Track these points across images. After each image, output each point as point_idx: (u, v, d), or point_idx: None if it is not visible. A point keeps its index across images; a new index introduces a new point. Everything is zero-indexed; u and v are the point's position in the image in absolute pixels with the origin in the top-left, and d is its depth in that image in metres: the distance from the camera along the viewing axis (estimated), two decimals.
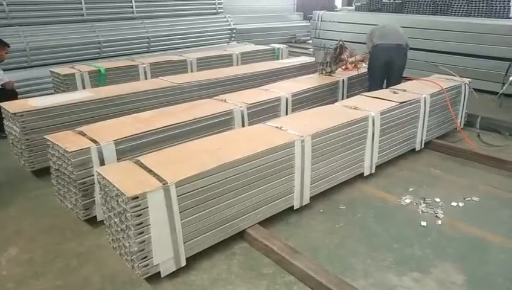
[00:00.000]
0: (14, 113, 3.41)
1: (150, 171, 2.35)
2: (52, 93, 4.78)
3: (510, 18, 7.10)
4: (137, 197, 2.11)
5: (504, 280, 2.34)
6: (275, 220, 2.91)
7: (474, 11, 7.75)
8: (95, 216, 2.90)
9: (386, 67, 4.72)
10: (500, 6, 7.40)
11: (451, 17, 7.86)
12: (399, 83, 4.65)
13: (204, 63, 6.00)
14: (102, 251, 2.62)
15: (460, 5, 7.97)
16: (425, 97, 3.96)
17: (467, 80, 4.63)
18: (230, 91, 4.46)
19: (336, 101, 4.43)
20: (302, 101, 4.41)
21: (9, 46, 4.93)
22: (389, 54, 4.68)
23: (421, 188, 3.41)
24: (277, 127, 3.10)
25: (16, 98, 4.52)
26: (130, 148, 2.99)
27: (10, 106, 3.58)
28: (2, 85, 4.63)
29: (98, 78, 5.04)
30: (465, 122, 4.78)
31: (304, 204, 3.06)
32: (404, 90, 4.12)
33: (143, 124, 3.19)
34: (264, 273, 2.42)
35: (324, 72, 5.03)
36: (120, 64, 5.40)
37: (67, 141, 2.84)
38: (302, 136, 2.90)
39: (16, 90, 4.88)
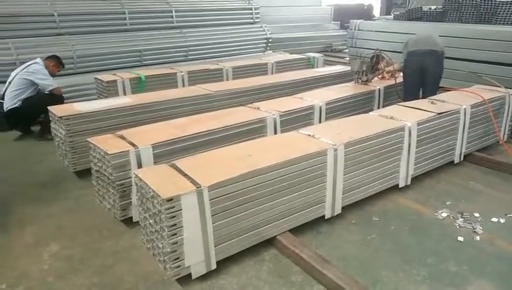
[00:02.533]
0: (60, 117, 3.62)
1: (184, 174, 2.42)
2: (96, 99, 5.02)
3: None
4: (172, 199, 2.18)
5: None
6: (306, 229, 2.90)
7: None
8: (131, 217, 3.01)
9: (419, 74, 4.62)
10: None
11: (496, 26, 7.57)
12: (435, 92, 4.53)
13: (239, 72, 6.10)
14: (136, 250, 2.71)
15: (506, 14, 7.65)
16: (465, 108, 3.84)
17: (511, 91, 4.44)
18: (265, 99, 4.51)
19: (371, 110, 4.37)
20: (336, 110, 4.38)
21: (64, 67, 5.45)
22: (421, 60, 4.59)
23: (459, 202, 3.29)
24: (309, 135, 3.10)
25: (63, 103, 4.82)
26: (166, 153, 3.09)
27: (57, 110, 3.80)
28: (50, 91, 4.94)
29: (138, 85, 5.25)
30: (510, 135, 4.58)
31: (335, 214, 3.03)
32: (443, 101, 4.01)
33: (179, 129, 3.29)
34: (293, 281, 2.42)
35: (360, 81, 4.98)
36: (159, 72, 5.60)
37: (107, 143, 2.98)
38: (335, 145, 2.89)
39: (63, 95, 5.18)
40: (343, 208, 3.06)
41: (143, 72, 5.48)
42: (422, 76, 4.63)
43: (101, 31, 6.83)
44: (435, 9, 9.07)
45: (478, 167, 3.98)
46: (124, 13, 7.00)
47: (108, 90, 5.01)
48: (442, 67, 4.72)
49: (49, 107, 3.94)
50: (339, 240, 2.82)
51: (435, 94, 4.44)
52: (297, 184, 2.73)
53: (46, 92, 4.95)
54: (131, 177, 2.85)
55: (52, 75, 5.15)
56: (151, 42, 7.14)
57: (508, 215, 3.09)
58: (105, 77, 5.23)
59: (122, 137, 3.11)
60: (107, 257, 2.67)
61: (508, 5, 7.62)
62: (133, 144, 2.97)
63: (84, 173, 3.73)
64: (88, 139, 3.16)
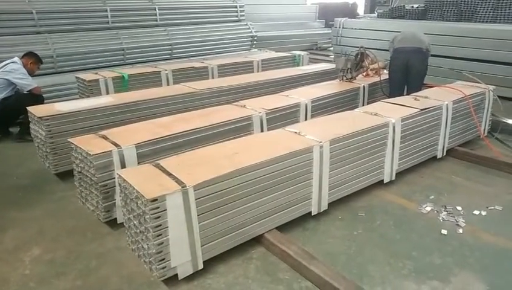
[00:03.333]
0: (40, 117, 3.53)
1: (169, 174, 2.39)
2: (77, 99, 4.92)
3: None
4: (156, 200, 2.15)
5: None
6: (293, 226, 2.90)
7: (500, 17, 7.57)
8: (115, 218, 2.96)
9: (404, 71, 4.67)
10: None
11: (476, 23, 7.71)
12: (419, 88, 4.58)
13: (225, 70, 6.07)
14: (121, 252, 2.67)
15: (486, 12, 7.80)
16: (447, 104, 3.89)
17: (491, 87, 4.52)
18: (250, 97, 4.49)
19: (356, 107, 4.39)
20: (322, 107, 4.39)
21: (42, 63, 5.29)
22: (406, 57, 4.64)
23: (442, 196, 3.34)
24: (295, 133, 3.10)
25: (43, 103, 4.71)
26: (150, 152, 3.05)
27: (36, 110, 3.71)
28: (29, 90, 4.82)
29: (121, 84, 5.17)
30: (490, 129, 4.67)
31: (322, 210, 3.04)
32: (426, 97, 4.06)
33: (163, 128, 3.25)
34: (281, 278, 2.41)
35: (345, 78, 5.01)
36: (143, 71, 5.52)
37: (90, 144, 2.92)
38: (320, 142, 2.89)
39: (43, 95, 5.06)
40: (329, 204, 3.07)
41: (126, 71, 5.40)
42: (407, 73, 4.68)
43: (82, 29, 6.71)
44: (417, 7, 9.21)
45: (460, 162, 4.05)
46: (106, 11, 6.89)
47: (91, 89, 4.92)
48: (427, 64, 4.78)
49: (28, 108, 3.84)
50: (325, 236, 2.83)
51: (420, 90, 4.49)
52: (284, 181, 2.73)
53: (25, 92, 4.82)
54: (114, 178, 2.80)
55: (32, 73, 5.02)
56: (134, 40, 7.05)
57: (489, 207, 3.15)
58: (87, 76, 5.13)
59: (104, 137, 3.06)
60: (91, 259, 2.62)
61: (487, 4, 7.77)
62: (116, 144, 2.92)
63: (66, 175, 3.65)
64: (69, 139, 3.09)
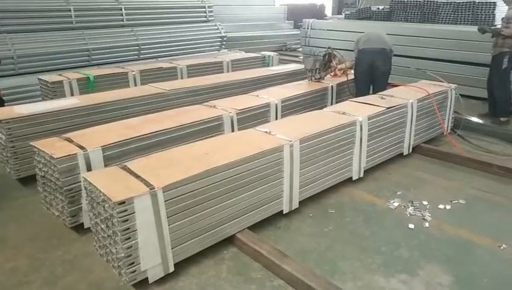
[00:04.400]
0: (0, 121, 3.38)
1: (137, 176, 2.34)
2: (40, 101, 4.74)
3: (495, 26, 7.23)
4: (124, 202, 2.10)
5: (489, 280, 2.37)
6: (265, 225, 2.91)
7: (461, 18, 7.89)
8: (82, 223, 2.87)
9: (369, 71, 4.78)
10: (485, 14, 7.54)
11: (439, 24, 7.99)
12: (384, 88, 4.69)
13: (194, 70, 6.01)
14: (89, 258, 2.59)
15: (447, 13, 8.11)
16: (412, 102, 4.01)
17: (453, 86, 4.70)
18: (221, 97, 4.47)
19: (325, 107, 4.46)
20: (292, 107, 4.43)
21: (1, 64, 5.08)
22: (371, 58, 4.75)
23: (409, 192, 3.43)
24: (266, 132, 3.11)
25: (3, 106, 4.51)
26: (117, 155, 2.98)
27: None
28: None
29: (87, 86, 5.02)
30: (453, 127, 4.85)
31: (293, 208, 3.06)
32: (392, 96, 4.17)
33: (131, 130, 3.18)
34: (253, 278, 2.41)
35: (313, 78, 5.07)
36: (109, 72, 5.38)
37: (53, 147, 2.81)
38: (290, 141, 2.91)
39: (3, 98, 4.85)
40: (300, 202, 3.10)
41: (92, 72, 5.25)
42: (372, 73, 4.78)
43: (45, 29, 6.45)
44: (383, 9, 9.45)
45: (425, 158, 4.18)
46: (69, 10, 6.67)
47: (54, 91, 4.74)
48: (390, 64, 4.89)
49: None
50: (297, 234, 2.85)
51: (385, 90, 4.60)
52: (255, 181, 2.73)
53: None
54: (80, 182, 2.72)
55: None
56: (100, 41, 6.86)
57: (453, 201, 3.26)
58: (51, 77, 4.94)
59: (69, 140, 2.95)
60: (57, 266, 2.53)
61: (449, 6, 8.08)
62: (82, 147, 2.83)
63: (29, 180, 3.50)
64: (32, 143, 2.97)
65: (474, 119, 5.10)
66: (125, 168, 2.44)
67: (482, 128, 4.90)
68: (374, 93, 4.58)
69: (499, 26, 5.39)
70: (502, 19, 5.15)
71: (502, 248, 2.67)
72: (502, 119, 5.13)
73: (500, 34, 4.96)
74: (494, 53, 5.15)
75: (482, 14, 7.59)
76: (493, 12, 7.43)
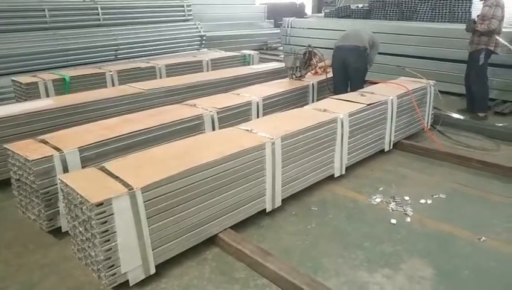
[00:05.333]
0: None
1: (115, 177, 2.28)
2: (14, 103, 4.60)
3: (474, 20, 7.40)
4: (102, 204, 2.04)
5: (470, 272, 2.40)
6: (248, 224, 2.88)
7: (438, 16, 8.03)
8: (60, 227, 2.78)
9: (343, 68, 4.80)
10: (462, 12, 7.69)
11: (417, 22, 8.12)
12: (360, 85, 4.70)
13: (173, 70, 5.93)
14: (67, 262, 2.51)
15: (425, 11, 8.24)
16: (392, 99, 4.05)
17: (432, 82, 4.76)
18: (201, 97, 4.41)
19: (307, 104, 4.46)
20: (273, 105, 4.41)
21: None
22: (343, 55, 4.77)
23: (390, 188, 3.46)
24: (247, 130, 3.08)
25: None
26: (95, 156, 2.90)
27: None
28: None
29: (63, 87, 4.88)
30: (433, 122, 4.92)
31: (276, 207, 3.05)
32: (372, 93, 4.20)
33: (109, 130, 3.10)
34: (237, 278, 2.38)
35: (294, 76, 5.07)
36: (86, 72, 5.25)
37: (28, 149, 2.72)
38: (272, 139, 2.89)
39: None
40: (283, 200, 3.08)
41: (68, 73, 5.12)
42: (346, 70, 4.80)
43: (18, 29, 6.24)
44: (362, 7, 9.53)
45: (406, 154, 4.23)
46: (43, 10, 6.48)
47: (28, 93, 4.60)
48: (364, 62, 4.86)
49: None
50: (280, 232, 2.83)
51: (362, 87, 4.62)
52: (237, 180, 2.70)
53: None
54: (56, 184, 2.63)
55: None
56: (76, 41, 6.68)
57: (434, 196, 3.30)
58: (24, 78, 4.78)
59: (44, 142, 2.86)
60: (34, 271, 2.45)
61: (427, 4, 8.21)
62: (58, 148, 2.74)
63: (3, 184, 3.38)
64: (6, 145, 2.86)
65: (455, 115, 5.19)
66: (103, 169, 2.38)
67: (461, 124, 4.98)
68: (351, 91, 4.60)
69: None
70: (477, 16, 5.25)
71: (481, 240, 2.71)
72: (480, 114, 5.24)
73: (476, 30, 5.06)
74: (470, 50, 5.25)
75: (458, 12, 7.74)
76: (469, 9, 7.59)
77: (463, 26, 5.56)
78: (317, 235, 2.78)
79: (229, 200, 2.68)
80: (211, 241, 2.66)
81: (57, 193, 2.65)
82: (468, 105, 5.49)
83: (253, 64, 7.02)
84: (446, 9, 7.92)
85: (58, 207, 2.72)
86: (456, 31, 6.41)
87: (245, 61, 7.07)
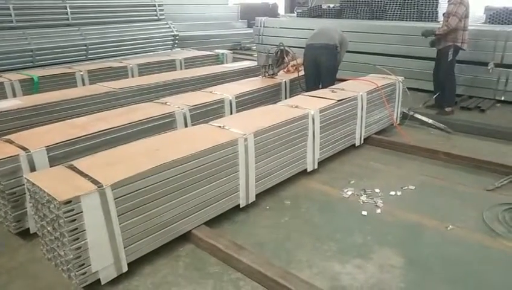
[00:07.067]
0: None
1: (84, 175, 2.24)
2: None
3: (438, 22, 7.64)
4: (70, 202, 2.00)
5: (438, 260, 2.48)
6: (222, 220, 2.89)
7: (407, 15, 8.26)
8: (28, 229, 2.70)
9: (315, 66, 4.85)
10: (429, 11, 7.96)
11: (386, 21, 8.32)
12: (331, 82, 4.78)
13: (146, 69, 5.87)
14: (36, 264, 2.45)
15: (394, 10, 8.46)
16: (362, 95, 4.14)
17: (400, 78, 4.89)
18: (173, 95, 4.39)
19: (279, 102, 4.50)
20: (246, 103, 4.43)
21: None
22: (314, 53, 4.83)
23: (361, 181, 3.54)
24: (219, 127, 3.09)
25: None
26: (64, 155, 2.84)
27: None
28: None
29: (31, 87, 4.76)
30: (402, 117, 5.05)
31: (250, 202, 3.06)
32: (342, 89, 4.28)
33: (78, 129, 3.04)
34: (211, 273, 2.38)
35: (267, 74, 5.10)
36: (55, 72, 5.14)
37: None
38: (244, 134, 2.91)
39: None
40: (257, 195, 3.10)
41: (36, 73, 4.99)
42: (317, 68, 4.86)
43: None
44: (333, 7, 9.68)
45: (377, 148, 4.33)
46: (9, 9, 6.29)
47: None
48: (335, 60, 4.94)
49: None
50: (254, 227, 2.85)
51: (333, 84, 4.70)
52: (210, 176, 2.70)
53: None
54: (24, 185, 2.56)
55: None
56: (44, 41, 6.53)
57: (404, 188, 3.40)
58: None
59: (10, 141, 2.78)
60: (1, 275, 2.37)
61: (395, 3, 8.44)
62: (24, 148, 2.67)
63: None
64: None
65: (424, 118, 5.23)
66: (71, 167, 2.33)
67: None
68: (322, 88, 4.67)
69: (437, 26, 5.66)
70: (443, 14, 5.43)
71: (449, 228, 2.81)
72: (447, 109, 5.42)
73: (436, 34, 5.25)
74: (439, 47, 5.42)
75: (426, 11, 7.99)
76: (436, 8, 7.84)
77: (431, 24, 5.73)
78: (291, 229, 2.82)
79: (202, 196, 2.68)
80: (185, 238, 2.65)
81: (24, 193, 2.58)
82: (436, 100, 5.66)
83: (226, 63, 7.02)
84: (414, 9, 8.16)
85: (26, 208, 2.64)
86: (424, 29, 6.59)
87: (218, 60, 7.07)
